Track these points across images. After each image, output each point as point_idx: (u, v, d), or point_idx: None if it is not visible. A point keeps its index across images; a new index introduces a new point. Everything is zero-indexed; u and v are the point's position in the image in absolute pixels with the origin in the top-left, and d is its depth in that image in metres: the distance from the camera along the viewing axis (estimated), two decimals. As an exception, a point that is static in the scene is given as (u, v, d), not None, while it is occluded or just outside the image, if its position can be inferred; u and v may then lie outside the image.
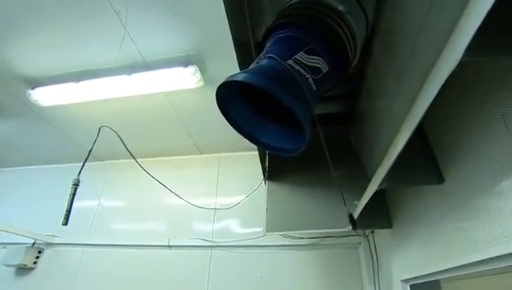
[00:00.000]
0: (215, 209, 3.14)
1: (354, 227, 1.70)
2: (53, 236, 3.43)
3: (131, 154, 2.02)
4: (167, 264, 3.01)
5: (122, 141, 1.97)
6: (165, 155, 3.74)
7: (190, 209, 3.10)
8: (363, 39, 1.29)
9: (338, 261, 2.74)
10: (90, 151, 1.84)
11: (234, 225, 3.09)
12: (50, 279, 3.29)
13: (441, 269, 1.31)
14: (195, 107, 2.91)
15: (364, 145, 2.17)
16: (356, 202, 1.94)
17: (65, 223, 1.51)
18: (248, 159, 3.33)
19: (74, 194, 1.60)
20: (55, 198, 3.79)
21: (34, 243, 3.36)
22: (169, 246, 3.06)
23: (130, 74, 2.48)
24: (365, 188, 1.72)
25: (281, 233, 2.67)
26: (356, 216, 1.81)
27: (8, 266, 3.29)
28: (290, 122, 1.08)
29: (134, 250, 3.17)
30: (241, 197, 3.00)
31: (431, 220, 1.41)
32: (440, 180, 1.31)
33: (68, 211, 1.54)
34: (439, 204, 1.33)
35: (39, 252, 3.39)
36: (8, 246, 3.40)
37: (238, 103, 1.13)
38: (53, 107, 2.90)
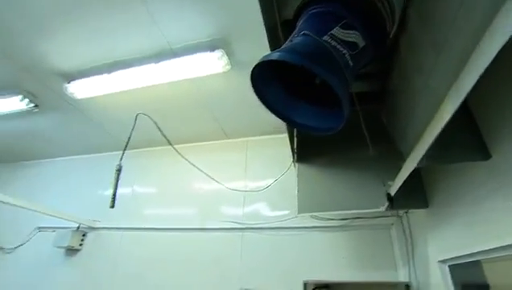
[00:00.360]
0: (246, 191, 3.19)
1: (392, 207, 1.68)
2: (95, 221, 3.68)
3: (168, 140, 2.09)
4: (200, 246, 3.14)
5: (159, 128, 2.04)
6: (192, 141, 3.81)
7: (221, 193, 3.19)
8: (401, 9, 1.22)
9: (370, 242, 2.72)
10: (129, 137, 1.93)
11: (264, 208, 3.14)
12: (94, 259, 3.57)
13: (486, 249, 1.26)
14: (222, 92, 2.92)
15: (397, 124, 2.10)
16: (390, 183, 1.90)
17: (112, 206, 1.63)
18: (275, 142, 3.34)
19: (118, 179, 1.70)
20: (92, 186, 4.06)
21: (78, 227, 3.64)
22: (202, 229, 3.19)
23: (157, 62, 2.54)
24: (398, 168, 1.68)
25: (311, 214, 2.69)
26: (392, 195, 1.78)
27: (59, 247, 3.60)
28: (325, 101, 1.06)
29: (168, 233, 3.34)
30: (270, 180, 3.03)
31: (475, 198, 1.35)
32: (486, 156, 1.24)
33: (114, 195, 1.65)
34: (486, 181, 1.26)
35: (83, 235, 3.67)
36: (57, 230, 3.71)
37: (272, 84, 1.12)
38: (88, 99, 3.05)
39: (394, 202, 1.83)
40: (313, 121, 1.12)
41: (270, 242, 2.94)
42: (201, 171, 2.54)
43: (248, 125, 3.40)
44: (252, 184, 3.27)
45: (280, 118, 1.14)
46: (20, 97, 3.12)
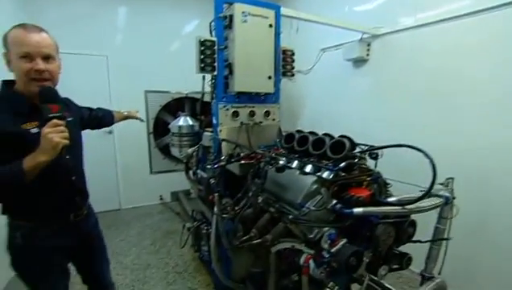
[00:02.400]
0: None
1: None
2: (378, 28, 3.59)
3: None
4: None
5: None
6: None
7: None
8: None
9: None
10: None
11: None
12: (381, 66, 3.66)
13: None
14: None
15: None
16: None
17: None
18: None
19: None
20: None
21: (361, 38, 3.73)
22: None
23: None
24: None
25: None
26: None
27: (348, 60, 3.98)
28: None
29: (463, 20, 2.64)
30: None
31: None
32: None
33: None
34: None
35: (368, 45, 3.75)
36: (343, 45, 4.04)
37: None
38: None
39: None
40: None
41: None
42: None
43: None
44: None
45: None
46: None
